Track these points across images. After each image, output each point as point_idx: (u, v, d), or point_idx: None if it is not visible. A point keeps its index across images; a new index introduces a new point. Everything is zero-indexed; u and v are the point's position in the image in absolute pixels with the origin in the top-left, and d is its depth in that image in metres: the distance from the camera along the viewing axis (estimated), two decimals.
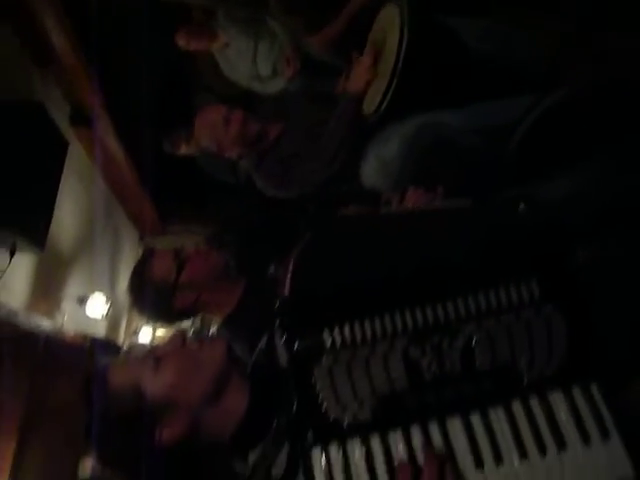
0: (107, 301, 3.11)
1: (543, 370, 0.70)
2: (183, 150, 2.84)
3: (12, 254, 2.37)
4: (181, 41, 2.52)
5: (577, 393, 0.68)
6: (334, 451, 0.72)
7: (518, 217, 0.77)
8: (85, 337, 3.09)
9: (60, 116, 2.78)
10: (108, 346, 3.44)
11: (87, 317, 3.15)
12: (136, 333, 4.17)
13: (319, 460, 0.72)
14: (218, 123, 1.76)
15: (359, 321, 0.74)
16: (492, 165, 1.43)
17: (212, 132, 1.79)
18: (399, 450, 0.71)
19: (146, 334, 4.13)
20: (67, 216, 3.08)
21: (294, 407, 0.75)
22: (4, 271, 2.29)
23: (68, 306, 2.97)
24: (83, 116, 2.90)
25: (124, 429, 0.82)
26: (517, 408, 0.70)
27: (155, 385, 0.82)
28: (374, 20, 1.78)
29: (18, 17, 2.28)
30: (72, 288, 3.15)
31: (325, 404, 0.73)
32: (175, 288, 1.43)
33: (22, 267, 2.58)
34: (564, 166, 1.14)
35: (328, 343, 0.73)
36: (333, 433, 0.73)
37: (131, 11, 2.84)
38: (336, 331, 0.73)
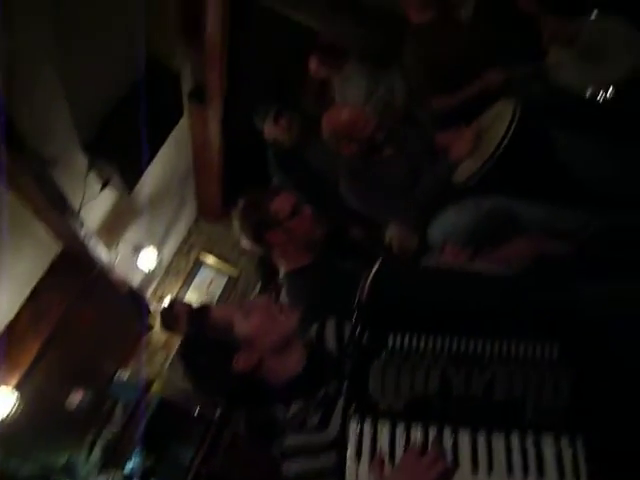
0: (157, 258, 3.37)
1: (544, 415, 0.88)
2: (278, 132, 2.86)
3: (104, 186, 2.67)
4: (312, 65, 2.82)
5: (564, 441, 0.86)
6: (368, 425, 0.92)
7: (558, 300, 0.97)
8: (125, 282, 3.34)
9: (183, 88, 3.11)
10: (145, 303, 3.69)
11: (133, 265, 3.41)
12: (162, 300, 4.42)
13: (355, 428, 0.92)
14: (360, 122, 1.99)
15: (417, 335, 0.95)
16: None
17: (350, 130, 2.00)
18: (416, 439, 0.90)
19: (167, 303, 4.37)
20: (152, 172, 3.38)
21: (346, 383, 0.96)
22: (93, 199, 2.58)
23: (123, 248, 3.24)
24: (200, 95, 3.22)
25: (213, 350, 1.07)
26: (514, 437, 0.88)
27: (242, 326, 1.08)
28: (482, 102, 2.03)
29: None
30: (130, 234, 3.44)
31: (372, 389, 0.94)
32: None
33: (104, 199, 2.86)
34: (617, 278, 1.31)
35: (390, 345, 0.95)
36: (371, 412, 0.93)
37: (275, 24, 3.16)
38: (398, 337, 0.95)
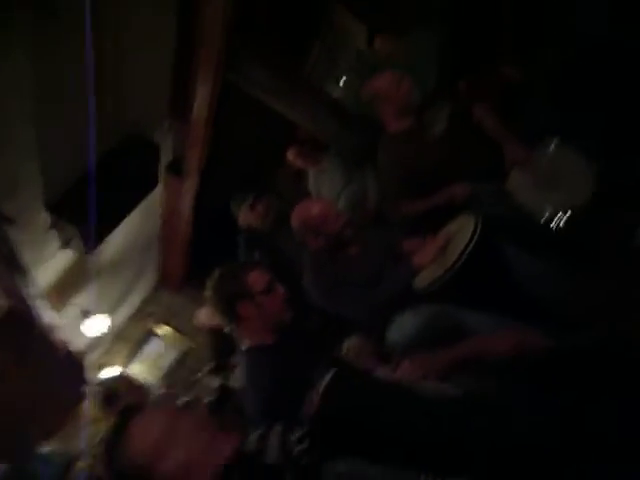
0: (106, 325, 3.22)
1: None
2: (254, 219, 2.95)
3: (63, 247, 2.59)
4: (290, 156, 2.93)
5: None
6: None
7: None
8: (64, 347, 3.15)
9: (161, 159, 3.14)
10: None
11: (79, 330, 3.24)
12: (100, 369, 4.17)
13: None
14: (330, 217, 2.04)
15: (367, 462, 0.89)
16: None
17: (319, 225, 2.04)
18: None
19: (109, 373, 4.13)
20: (115, 236, 3.31)
21: None
22: (50, 258, 2.49)
23: (71, 311, 3.10)
24: (178, 168, 3.26)
25: None
26: None
27: (167, 464, 0.95)
28: (447, 213, 2.11)
29: (180, 74, 2.65)
30: (82, 298, 3.30)
31: None
32: None
33: (60, 259, 2.76)
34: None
35: (338, 470, 0.89)
36: None
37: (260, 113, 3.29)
38: (348, 461, 0.89)
